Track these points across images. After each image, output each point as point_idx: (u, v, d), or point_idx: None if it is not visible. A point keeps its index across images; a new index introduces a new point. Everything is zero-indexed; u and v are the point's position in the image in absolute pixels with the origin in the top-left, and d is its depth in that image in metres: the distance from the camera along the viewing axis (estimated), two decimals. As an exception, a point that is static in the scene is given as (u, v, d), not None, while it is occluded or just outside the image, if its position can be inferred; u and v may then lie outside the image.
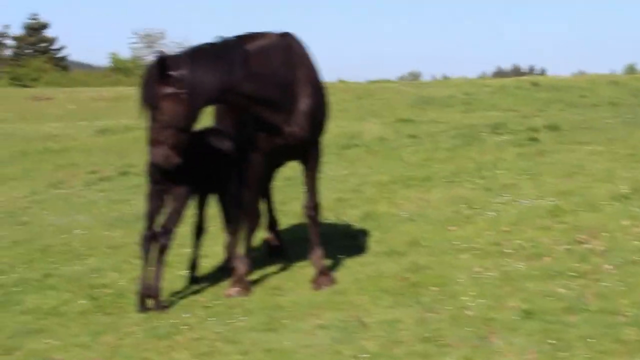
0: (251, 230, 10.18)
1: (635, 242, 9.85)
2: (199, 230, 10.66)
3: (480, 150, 17.26)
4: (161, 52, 8.97)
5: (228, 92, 9.02)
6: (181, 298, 9.94)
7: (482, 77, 64.72)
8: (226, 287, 10.03)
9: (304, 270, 10.47)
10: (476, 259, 9.98)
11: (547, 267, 9.29)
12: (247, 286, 9.87)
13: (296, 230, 12.37)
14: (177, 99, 8.76)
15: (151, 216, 9.67)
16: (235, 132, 9.98)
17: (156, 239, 9.56)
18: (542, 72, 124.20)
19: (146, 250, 9.60)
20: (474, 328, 7.75)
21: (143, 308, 9.52)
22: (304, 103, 9.53)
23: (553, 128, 19.07)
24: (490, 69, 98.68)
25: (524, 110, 25.55)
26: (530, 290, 8.60)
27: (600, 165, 14.04)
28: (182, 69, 8.75)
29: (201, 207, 10.55)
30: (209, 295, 9.98)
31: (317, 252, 10.04)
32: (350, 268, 10.28)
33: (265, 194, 11.22)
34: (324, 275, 9.84)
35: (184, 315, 9.08)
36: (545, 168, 14.34)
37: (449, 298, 8.66)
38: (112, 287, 10.53)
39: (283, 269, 10.59)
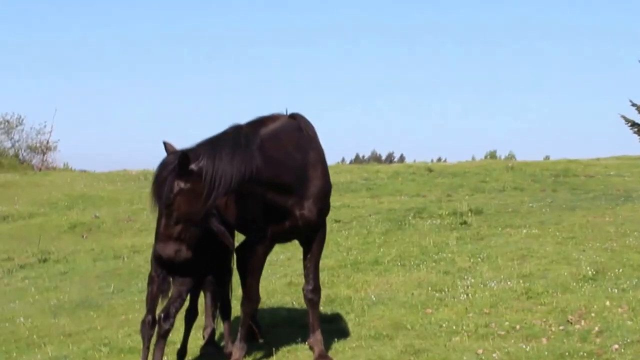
0: (249, 314, 10.07)
1: (629, 322, 10.07)
2: (192, 315, 10.45)
3: (416, 234, 17.43)
4: (167, 144, 8.85)
5: (246, 181, 8.97)
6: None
7: (342, 163, 65.48)
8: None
9: (294, 354, 10.37)
10: (472, 341, 10.04)
11: (552, 348, 9.39)
12: (244, 372, 9.73)
13: (267, 313, 12.25)
14: (193, 194, 8.67)
15: (153, 300, 9.47)
16: (241, 217, 9.87)
17: (158, 324, 9.37)
18: (402, 159, 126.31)
19: (147, 335, 9.39)
20: (507, 409, 7.79)
21: (143, 396, 9.29)
22: (315, 185, 9.55)
23: (477, 212, 19.40)
24: (349, 156, 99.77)
25: (432, 195, 25.93)
26: (547, 371, 8.71)
27: (549, 249, 14.35)
28: (201, 163, 8.66)
29: (196, 291, 10.37)
30: (203, 381, 9.79)
31: (317, 336, 9.97)
32: (344, 352, 10.20)
33: None
34: (325, 358, 9.75)
35: (193, 403, 8.88)
36: (494, 251, 14.57)
37: (465, 380, 8.69)
38: (92, 376, 10.23)
39: (269, 354, 10.41)
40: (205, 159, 8.64)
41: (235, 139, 8.92)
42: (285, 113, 9.75)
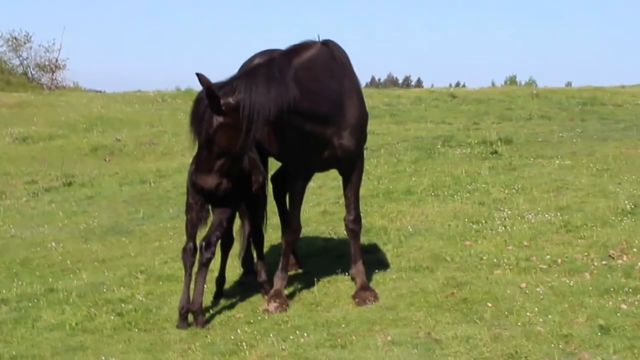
0: (291, 244, 10.07)
1: (673, 258, 10.05)
2: (227, 242, 10.46)
3: (447, 163, 17.38)
4: (202, 77, 8.70)
5: (284, 112, 8.89)
6: (215, 314, 9.74)
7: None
8: (260, 303, 9.92)
9: (334, 285, 10.39)
10: (514, 274, 10.01)
11: (596, 283, 9.36)
12: (285, 302, 9.75)
13: (303, 243, 12.24)
14: (232, 128, 8.61)
15: (192, 228, 9.47)
16: (281, 147, 9.82)
17: (199, 253, 9.38)
18: (420, 83, 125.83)
19: (188, 262, 9.41)
20: (554, 344, 7.77)
21: (184, 324, 9.33)
22: (351, 114, 9.46)
23: (507, 141, 19.30)
24: (364, 78, 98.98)
25: (457, 122, 25.85)
26: (593, 306, 8.66)
27: (584, 180, 14.27)
28: (238, 97, 8.57)
29: (230, 219, 10.36)
30: (243, 310, 9.84)
31: (359, 267, 9.97)
32: (385, 284, 10.21)
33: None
34: (367, 290, 9.74)
35: (238, 332, 8.90)
36: (528, 182, 14.50)
37: (510, 314, 8.66)
38: (131, 303, 10.33)
39: (310, 284, 10.42)
40: (242, 93, 8.55)
41: (269, 71, 8.80)
42: (317, 40, 9.57)
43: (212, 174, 8.80)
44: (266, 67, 8.94)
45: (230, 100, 8.54)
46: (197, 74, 8.68)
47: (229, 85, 8.67)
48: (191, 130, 8.88)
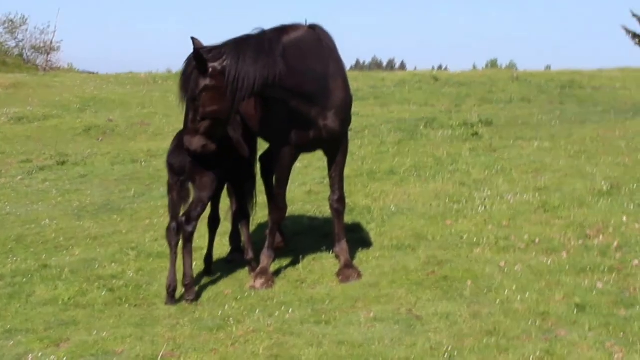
0: (277, 223, 10.33)
1: (647, 238, 10.37)
2: (214, 221, 10.73)
3: (429, 144, 17.66)
4: (195, 40, 9.03)
5: (269, 86, 9.14)
6: (203, 290, 10.01)
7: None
8: (247, 280, 10.18)
9: (319, 262, 10.65)
10: (493, 253, 10.31)
11: (572, 262, 9.66)
12: (271, 279, 10.01)
13: (289, 222, 12.49)
14: (218, 92, 8.87)
15: (174, 207, 9.74)
16: (267, 125, 10.07)
17: (181, 229, 9.62)
18: (403, 66, 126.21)
19: (173, 241, 9.66)
20: (532, 321, 8.06)
21: (172, 301, 9.58)
22: (336, 97, 9.69)
23: (487, 123, 19.60)
24: (349, 61, 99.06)
25: (440, 105, 26.14)
26: (570, 285, 8.96)
27: (562, 162, 14.58)
28: (225, 62, 8.85)
29: (216, 198, 10.62)
30: (231, 287, 10.08)
31: (343, 245, 10.24)
32: (369, 262, 10.49)
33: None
34: (350, 268, 10.02)
35: (225, 307, 9.16)
36: (507, 164, 14.80)
37: (489, 292, 8.96)
38: (122, 279, 10.55)
39: (295, 262, 10.70)
40: (229, 59, 8.83)
41: (259, 43, 9.07)
42: (304, 23, 9.81)
43: (197, 135, 9.07)
44: (256, 38, 9.20)
45: (217, 65, 8.83)
46: (192, 38, 9.01)
47: (218, 50, 8.94)
48: (179, 89, 9.18)
